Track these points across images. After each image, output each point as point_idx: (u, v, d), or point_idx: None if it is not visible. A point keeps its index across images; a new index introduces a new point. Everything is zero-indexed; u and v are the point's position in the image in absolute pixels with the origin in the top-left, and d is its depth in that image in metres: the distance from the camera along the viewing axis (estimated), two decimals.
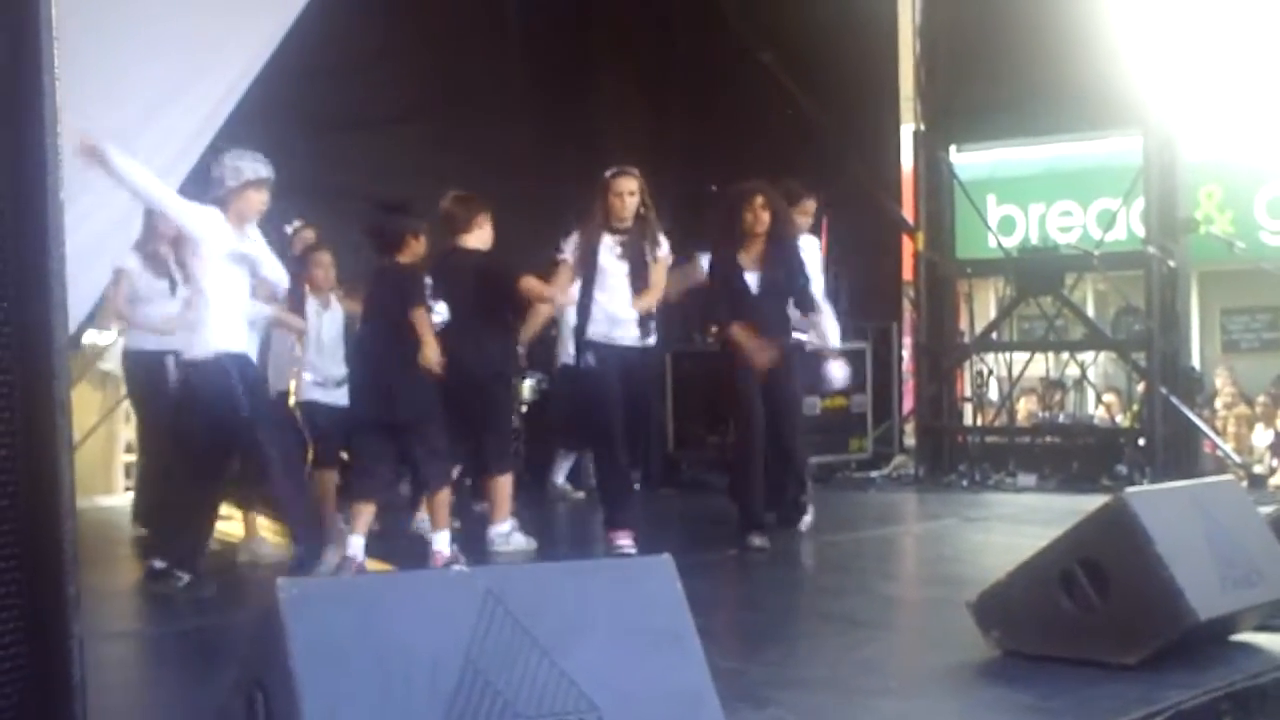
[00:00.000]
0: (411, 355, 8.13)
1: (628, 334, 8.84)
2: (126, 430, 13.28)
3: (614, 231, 8.89)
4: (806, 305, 9.40)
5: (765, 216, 9.13)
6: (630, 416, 8.89)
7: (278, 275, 8.08)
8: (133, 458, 13.12)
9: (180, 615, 7.44)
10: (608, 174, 8.98)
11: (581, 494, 12.01)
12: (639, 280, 8.85)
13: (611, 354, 8.81)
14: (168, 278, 9.13)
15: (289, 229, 9.69)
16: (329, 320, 9.02)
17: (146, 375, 9.29)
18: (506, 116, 13.21)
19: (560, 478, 12.30)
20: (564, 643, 3.43)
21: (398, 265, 8.44)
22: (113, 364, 12.81)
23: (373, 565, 8.17)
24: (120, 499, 12.51)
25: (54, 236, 2.39)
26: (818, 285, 9.66)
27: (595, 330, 8.86)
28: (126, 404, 13.00)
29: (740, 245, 9.20)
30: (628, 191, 8.85)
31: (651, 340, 9.02)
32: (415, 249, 8.53)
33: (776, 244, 9.21)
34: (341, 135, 12.06)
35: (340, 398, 8.85)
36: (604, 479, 9.25)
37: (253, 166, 7.82)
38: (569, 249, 9.01)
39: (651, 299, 8.93)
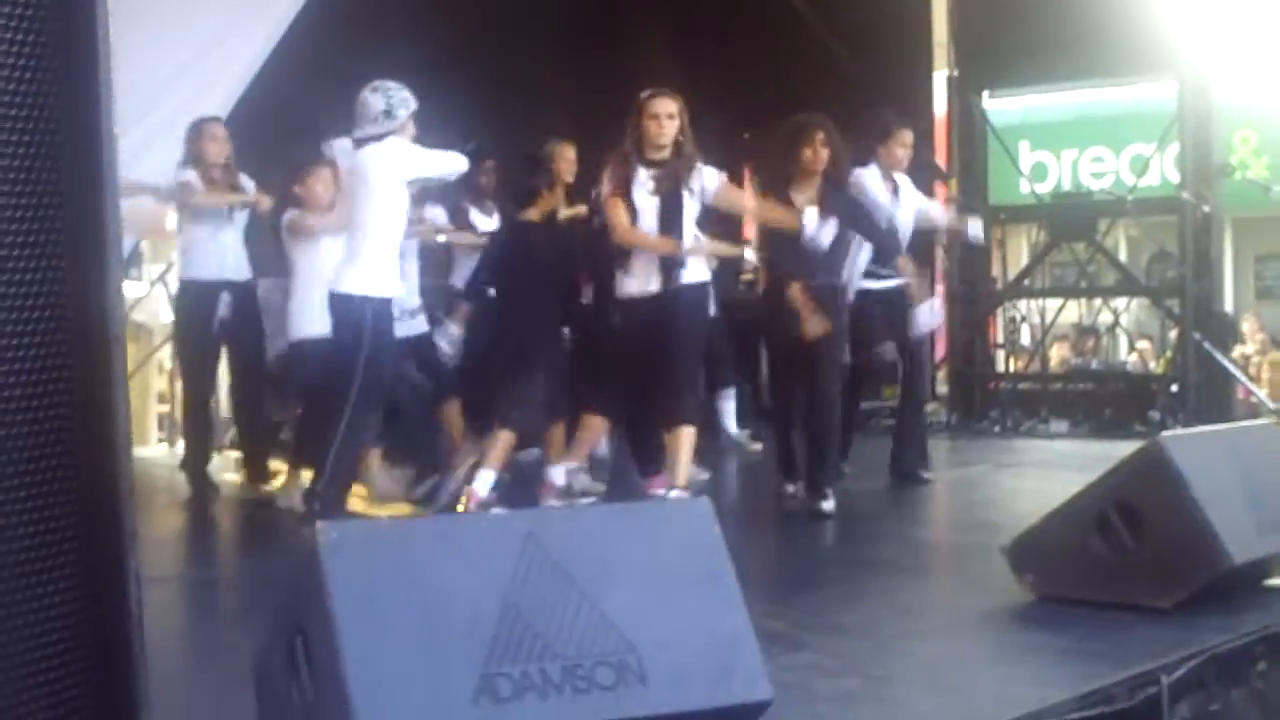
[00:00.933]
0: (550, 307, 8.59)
1: (655, 283, 8.06)
2: (160, 380, 13.35)
3: (649, 164, 8.07)
4: (888, 253, 9.02)
5: (825, 154, 8.47)
6: (662, 369, 8.09)
7: (452, 165, 8.11)
8: (165, 408, 13.20)
9: (222, 560, 7.50)
10: (643, 95, 8.18)
11: (759, 445, 11.39)
12: (672, 223, 8.02)
13: (639, 312, 8.12)
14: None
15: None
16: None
17: (197, 305, 9.24)
18: (536, 64, 13.15)
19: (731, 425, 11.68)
20: (602, 585, 3.45)
21: (529, 223, 8.80)
22: (145, 314, 12.87)
23: (406, 510, 8.22)
24: (153, 450, 12.58)
25: (110, 184, 2.40)
26: (882, 218, 9.15)
27: (627, 286, 8.14)
28: (159, 355, 13.09)
29: (793, 183, 8.52)
30: (666, 114, 8.03)
31: (685, 278, 8.09)
32: (549, 202, 8.85)
33: (834, 184, 8.58)
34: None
35: (416, 327, 8.95)
36: (633, 439, 8.97)
37: (409, 95, 7.88)
38: (606, 182, 8.22)
39: (702, 248, 8.30)
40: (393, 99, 7.73)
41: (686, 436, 7.97)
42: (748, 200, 8.54)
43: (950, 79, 14.45)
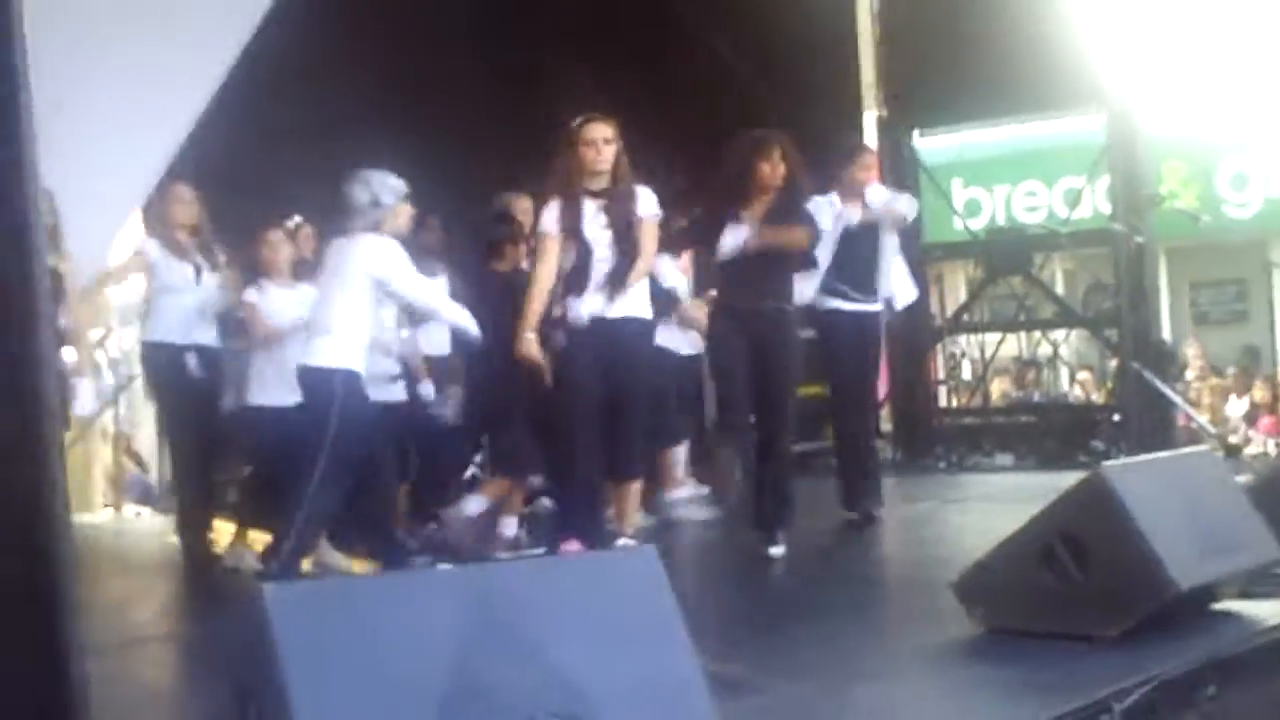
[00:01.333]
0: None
1: (615, 309, 7.76)
2: (104, 449, 13.28)
3: (590, 194, 7.81)
4: (808, 263, 8.55)
5: (782, 169, 8.11)
6: (621, 407, 7.80)
7: (436, 304, 8.16)
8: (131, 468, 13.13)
9: (171, 622, 7.45)
10: (576, 122, 7.86)
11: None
12: (627, 246, 7.76)
13: (591, 339, 7.75)
14: (192, 264, 8.89)
15: (290, 225, 9.52)
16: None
17: (167, 364, 8.95)
18: (459, 112, 13.11)
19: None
20: (552, 637, 3.44)
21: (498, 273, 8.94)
22: None
23: (359, 565, 8.20)
24: (99, 516, 12.51)
25: (38, 256, 2.40)
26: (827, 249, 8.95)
27: (579, 312, 7.76)
28: (104, 420, 13.00)
29: (745, 200, 8.15)
30: (602, 139, 7.74)
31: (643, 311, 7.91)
32: (516, 253, 9.04)
33: (789, 199, 8.20)
34: (298, 144, 11.99)
35: (396, 394, 8.92)
36: (563, 486, 8.46)
37: (398, 183, 7.92)
38: (549, 220, 7.87)
39: (644, 268, 7.90)
40: (375, 187, 7.75)
41: (635, 491, 7.93)
42: (649, 246, 7.92)
43: (880, 119, 14.54)
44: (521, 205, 9.29)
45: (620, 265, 7.77)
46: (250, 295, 8.70)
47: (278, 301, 8.66)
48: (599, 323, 7.75)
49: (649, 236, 7.89)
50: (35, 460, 2.34)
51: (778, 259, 8.21)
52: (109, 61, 9.68)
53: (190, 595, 8.80)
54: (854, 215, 9.14)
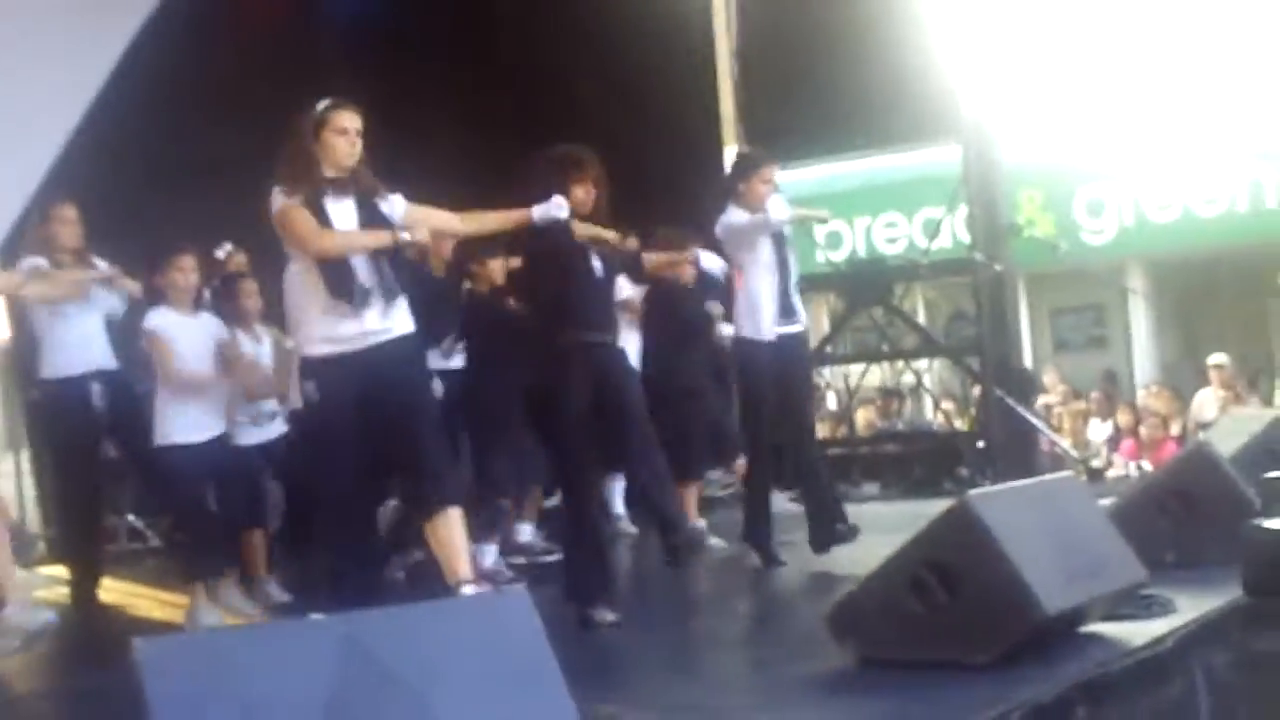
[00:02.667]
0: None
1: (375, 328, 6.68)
2: None
3: (330, 183, 6.71)
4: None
5: (594, 194, 7.48)
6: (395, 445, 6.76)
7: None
8: None
9: (47, 680, 7.32)
10: (324, 105, 6.70)
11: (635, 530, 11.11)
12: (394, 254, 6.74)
13: (346, 370, 6.64)
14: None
15: (220, 253, 9.31)
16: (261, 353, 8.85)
17: (67, 403, 8.33)
18: None
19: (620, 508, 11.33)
20: (428, 683, 3.43)
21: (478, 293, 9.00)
22: None
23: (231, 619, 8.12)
24: None
25: None
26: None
27: (325, 338, 6.64)
28: None
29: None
30: (355, 129, 6.66)
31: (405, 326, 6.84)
32: (487, 275, 9.04)
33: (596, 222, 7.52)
34: (172, 179, 11.83)
35: (273, 431, 8.80)
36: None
37: None
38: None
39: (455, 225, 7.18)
40: None
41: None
42: (444, 216, 7.14)
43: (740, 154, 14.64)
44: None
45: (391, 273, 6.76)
46: (152, 321, 8.26)
47: (182, 330, 8.33)
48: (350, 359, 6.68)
49: (428, 215, 7.04)
50: None
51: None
52: None
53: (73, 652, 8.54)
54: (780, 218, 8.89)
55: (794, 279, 9.09)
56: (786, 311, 8.96)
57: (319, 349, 6.69)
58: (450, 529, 6.67)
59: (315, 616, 3.55)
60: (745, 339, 8.91)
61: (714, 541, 9.24)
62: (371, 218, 6.74)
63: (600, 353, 7.36)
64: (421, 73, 14.14)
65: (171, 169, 11.57)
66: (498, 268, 9.02)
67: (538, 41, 14.41)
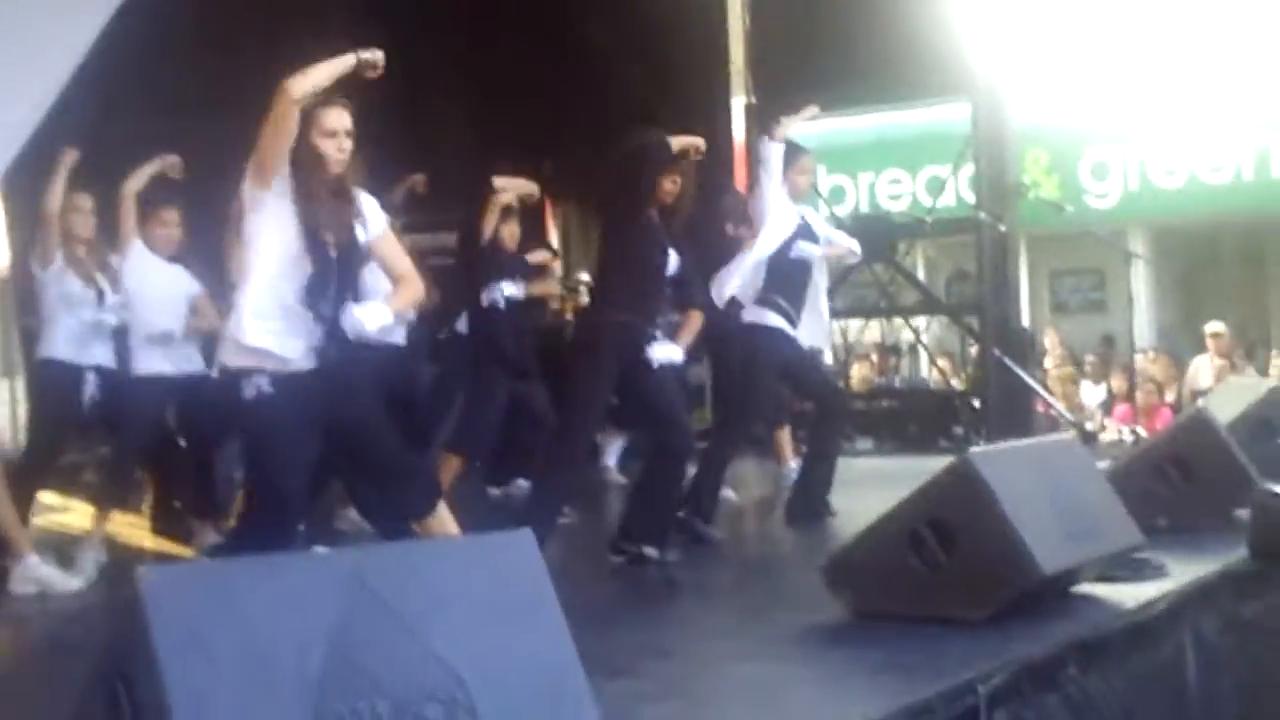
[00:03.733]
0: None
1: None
2: None
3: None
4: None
5: (680, 185, 7.56)
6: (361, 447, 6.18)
7: None
8: None
9: (36, 604, 7.34)
10: (308, 104, 5.87)
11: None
12: (350, 270, 6.02)
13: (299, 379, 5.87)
14: (94, 286, 8.32)
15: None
16: None
17: (63, 388, 8.35)
18: None
19: (611, 460, 11.64)
20: (429, 620, 3.45)
21: None
22: None
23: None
24: None
25: None
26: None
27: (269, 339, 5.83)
28: None
29: (640, 208, 7.50)
30: (344, 130, 5.94)
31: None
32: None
33: (677, 214, 7.68)
34: (166, 121, 11.78)
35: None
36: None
37: None
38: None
39: (409, 296, 6.30)
40: None
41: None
42: (404, 264, 6.26)
43: (748, 106, 14.61)
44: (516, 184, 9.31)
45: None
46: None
47: (155, 274, 8.46)
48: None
49: (393, 252, 6.26)
50: None
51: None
52: None
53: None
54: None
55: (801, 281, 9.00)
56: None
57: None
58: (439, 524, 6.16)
59: (320, 550, 3.59)
60: (753, 322, 8.84)
61: (726, 493, 9.18)
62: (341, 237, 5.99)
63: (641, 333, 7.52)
64: (429, 22, 14.08)
65: (173, 108, 11.55)
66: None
67: None
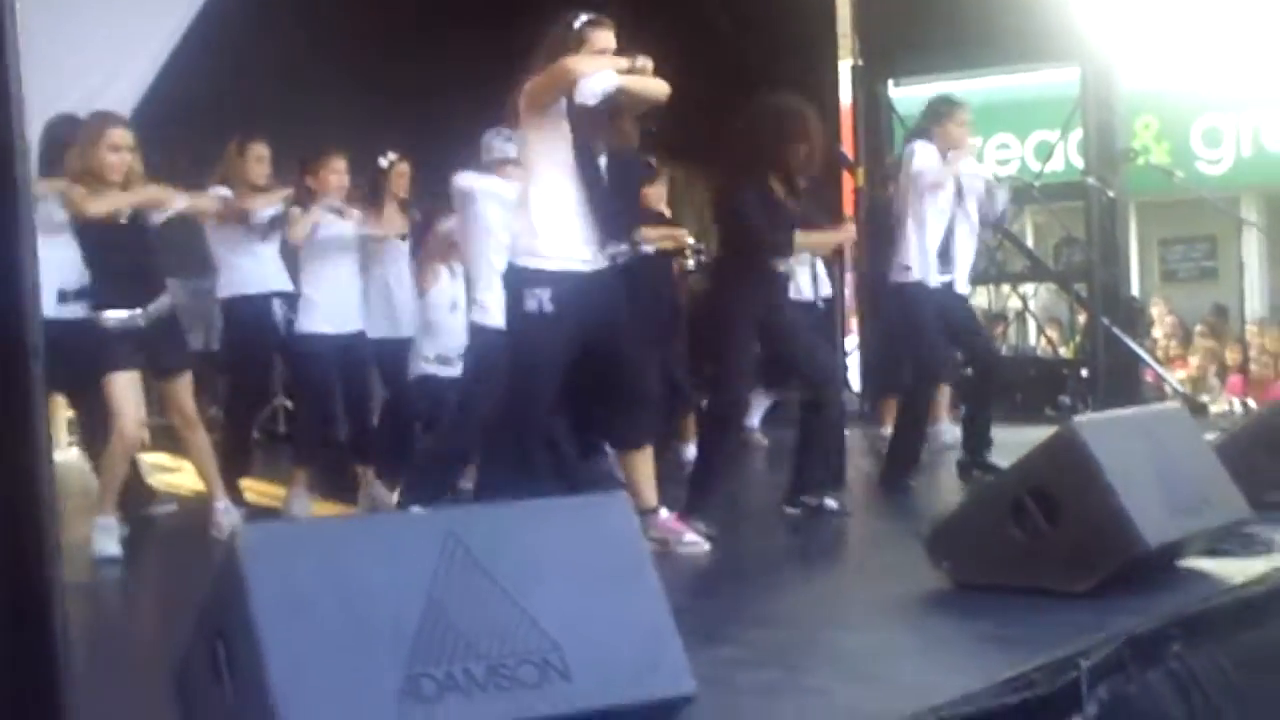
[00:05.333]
0: None
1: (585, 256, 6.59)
2: None
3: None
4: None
5: (816, 154, 7.58)
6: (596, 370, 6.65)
7: None
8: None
9: (142, 563, 7.43)
10: (578, 23, 6.49)
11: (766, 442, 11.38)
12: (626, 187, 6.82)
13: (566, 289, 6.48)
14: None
15: (383, 161, 9.09)
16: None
17: (255, 320, 8.80)
18: (437, 60, 12.95)
19: (755, 420, 11.57)
20: (525, 582, 3.45)
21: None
22: None
23: (328, 509, 8.20)
24: (65, 454, 12.42)
25: (23, 195, 2.37)
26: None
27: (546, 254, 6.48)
28: None
29: (772, 174, 7.54)
30: (609, 50, 6.47)
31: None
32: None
33: (804, 178, 7.71)
34: (263, 90, 11.79)
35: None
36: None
37: (504, 146, 7.96)
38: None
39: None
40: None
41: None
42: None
43: (855, 69, 14.49)
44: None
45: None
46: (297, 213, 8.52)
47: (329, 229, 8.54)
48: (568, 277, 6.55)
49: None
50: (17, 399, 2.32)
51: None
52: None
53: (163, 536, 8.65)
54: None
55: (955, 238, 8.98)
56: (945, 261, 8.90)
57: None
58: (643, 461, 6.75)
59: (418, 510, 3.60)
60: (911, 283, 8.80)
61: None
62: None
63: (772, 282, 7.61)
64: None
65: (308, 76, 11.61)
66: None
67: None
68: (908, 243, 8.79)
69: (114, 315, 7.41)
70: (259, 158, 8.77)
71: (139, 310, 7.48)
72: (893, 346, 10.41)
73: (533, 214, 6.52)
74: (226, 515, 7.70)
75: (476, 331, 7.76)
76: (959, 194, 8.83)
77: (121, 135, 7.45)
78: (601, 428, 7.18)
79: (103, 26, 9.82)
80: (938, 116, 8.93)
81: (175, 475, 9.56)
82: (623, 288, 6.88)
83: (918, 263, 8.73)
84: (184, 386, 7.68)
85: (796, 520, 7.74)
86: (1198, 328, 16.34)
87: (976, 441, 8.99)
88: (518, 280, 6.53)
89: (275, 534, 3.50)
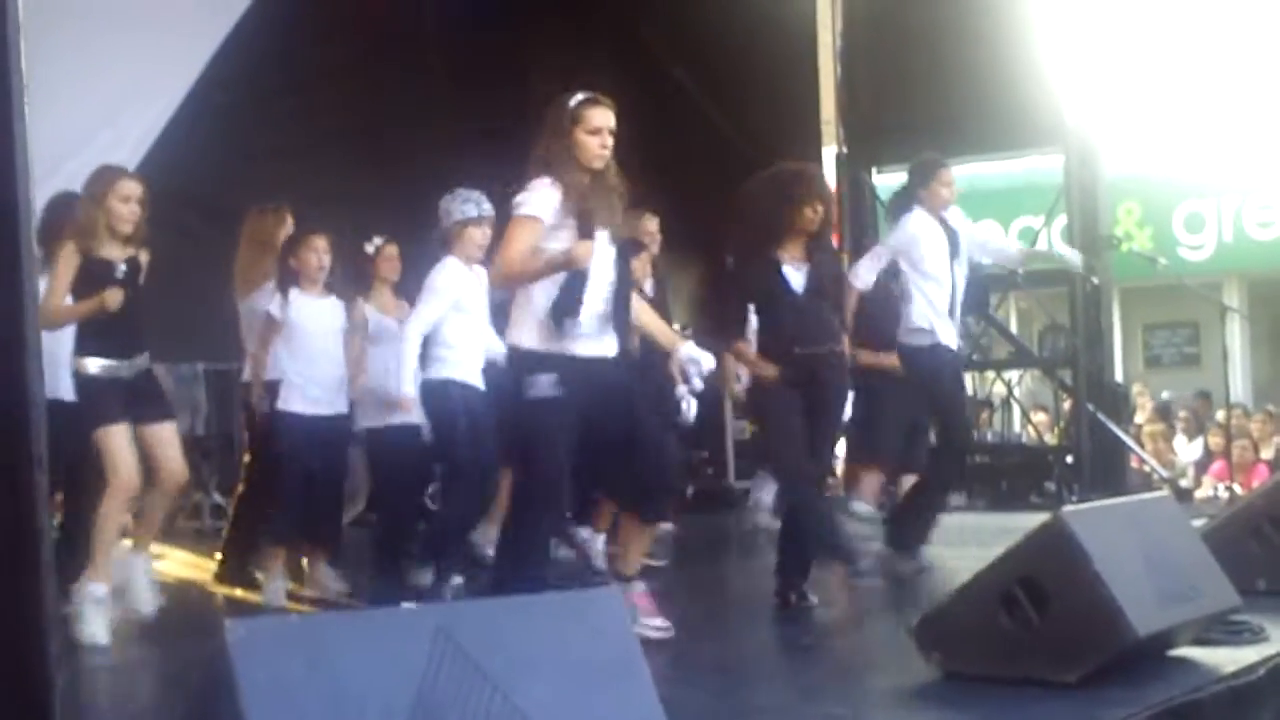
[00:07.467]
0: None
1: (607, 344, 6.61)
2: None
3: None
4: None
5: (822, 212, 7.61)
6: (613, 453, 6.68)
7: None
8: None
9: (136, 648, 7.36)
10: (574, 102, 6.48)
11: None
12: (625, 272, 6.67)
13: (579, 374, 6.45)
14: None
15: (369, 247, 8.95)
16: None
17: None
18: (427, 137, 13.00)
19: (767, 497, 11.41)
20: (516, 678, 3.43)
21: None
22: None
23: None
24: None
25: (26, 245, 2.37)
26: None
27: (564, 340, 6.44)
28: None
29: (779, 241, 7.55)
30: (608, 128, 6.46)
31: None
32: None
33: (822, 237, 7.80)
34: (264, 161, 11.84)
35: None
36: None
37: (463, 208, 8.05)
38: (537, 203, 6.38)
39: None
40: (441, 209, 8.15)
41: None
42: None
43: (839, 156, 14.58)
44: (648, 227, 9.33)
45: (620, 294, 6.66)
46: (275, 308, 8.31)
47: (310, 309, 8.36)
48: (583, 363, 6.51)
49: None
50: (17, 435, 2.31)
51: (831, 301, 7.83)
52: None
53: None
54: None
55: (958, 293, 8.96)
56: (951, 319, 8.94)
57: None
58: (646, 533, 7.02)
59: (408, 606, 3.57)
60: (920, 346, 8.81)
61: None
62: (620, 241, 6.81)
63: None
64: (520, 64, 14.08)
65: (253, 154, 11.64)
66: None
67: (637, 39, 14.33)
68: (913, 306, 8.81)
69: (98, 362, 7.29)
70: (317, 249, 8.46)
71: (125, 361, 7.36)
72: (882, 414, 10.24)
73: (536, 300, 6.50)
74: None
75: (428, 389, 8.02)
76: (953, 252, 8.83)
77: (131, 186, 7.34)
78: (627, 505, 7.10)
79: (95, 104, 9.87)
80: (925, 178, 8.97)
81: (161, 563, 9.49)
82: (634, 370, 7.02)
83: (934, 324, 8.76)
84: (174, 432, 7.54)
85: (784, 609, 7.70)
86: (1181, 413, 16.37)
87: (916, 528, 8.92)
88: (525, 364, 6.52)
89: (265, 629, 3.48)
